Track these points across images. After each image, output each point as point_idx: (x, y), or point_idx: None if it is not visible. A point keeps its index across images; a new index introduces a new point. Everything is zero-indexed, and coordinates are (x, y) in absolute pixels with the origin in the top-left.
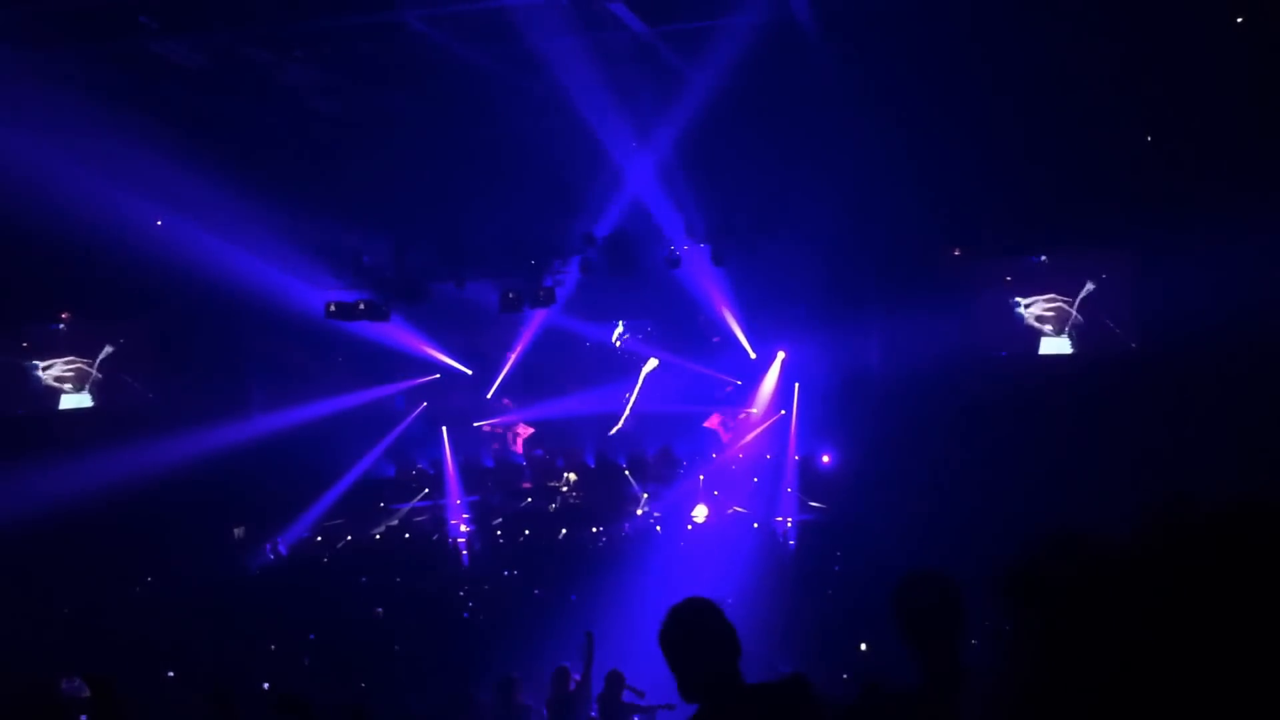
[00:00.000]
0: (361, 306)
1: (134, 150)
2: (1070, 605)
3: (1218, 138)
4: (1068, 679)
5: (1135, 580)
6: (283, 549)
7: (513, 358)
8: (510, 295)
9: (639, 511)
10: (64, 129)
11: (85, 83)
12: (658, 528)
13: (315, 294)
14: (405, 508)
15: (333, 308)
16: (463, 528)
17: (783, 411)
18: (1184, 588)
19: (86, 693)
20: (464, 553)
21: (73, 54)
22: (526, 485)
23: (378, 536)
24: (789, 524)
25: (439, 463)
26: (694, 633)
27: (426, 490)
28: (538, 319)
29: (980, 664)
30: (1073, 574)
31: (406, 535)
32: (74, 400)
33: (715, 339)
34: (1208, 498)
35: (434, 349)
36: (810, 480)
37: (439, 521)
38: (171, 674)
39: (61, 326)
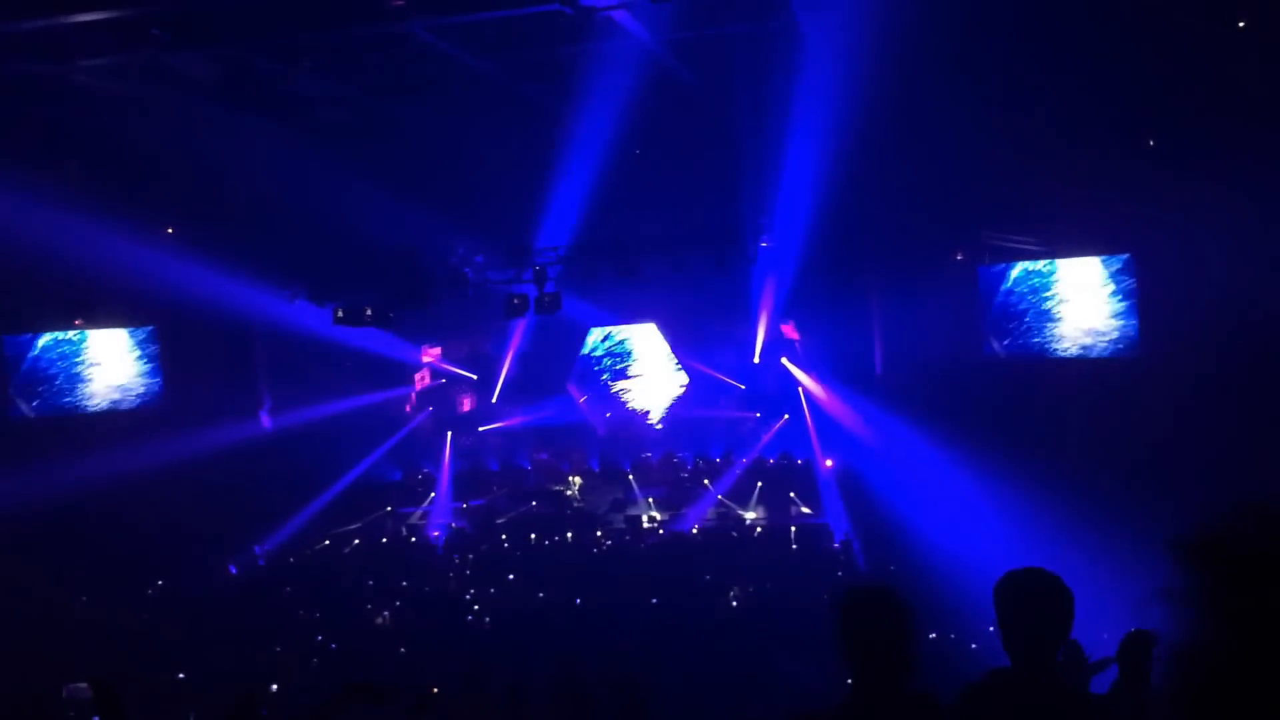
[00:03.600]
0: (368, 312)
1: (145, 158)
2: (1264, 578)
3: (1221, 140)
4: (1258, 654)
5: None
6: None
7: (508, 360)
8: (515, 300)
9: (645, 517)
10: (77, 137)
11: (98, 94)
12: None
13: (323, 299)
14: (414, 511)
15: (340, 313)
16: (466, 531)
17: (786, 416)
18: None
19: (89, 694)
20: (470, 555)
21: (86, 66)
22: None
23: (385, 540)
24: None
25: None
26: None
27: (433, 495)
28: (536, 322)
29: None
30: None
31: (413, 540)
32: (85, 403)
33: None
34: None
35: (439, 356)
36: (811, 483)
37: (442, 525)
38: (182, 675)
39: (74, 332)
